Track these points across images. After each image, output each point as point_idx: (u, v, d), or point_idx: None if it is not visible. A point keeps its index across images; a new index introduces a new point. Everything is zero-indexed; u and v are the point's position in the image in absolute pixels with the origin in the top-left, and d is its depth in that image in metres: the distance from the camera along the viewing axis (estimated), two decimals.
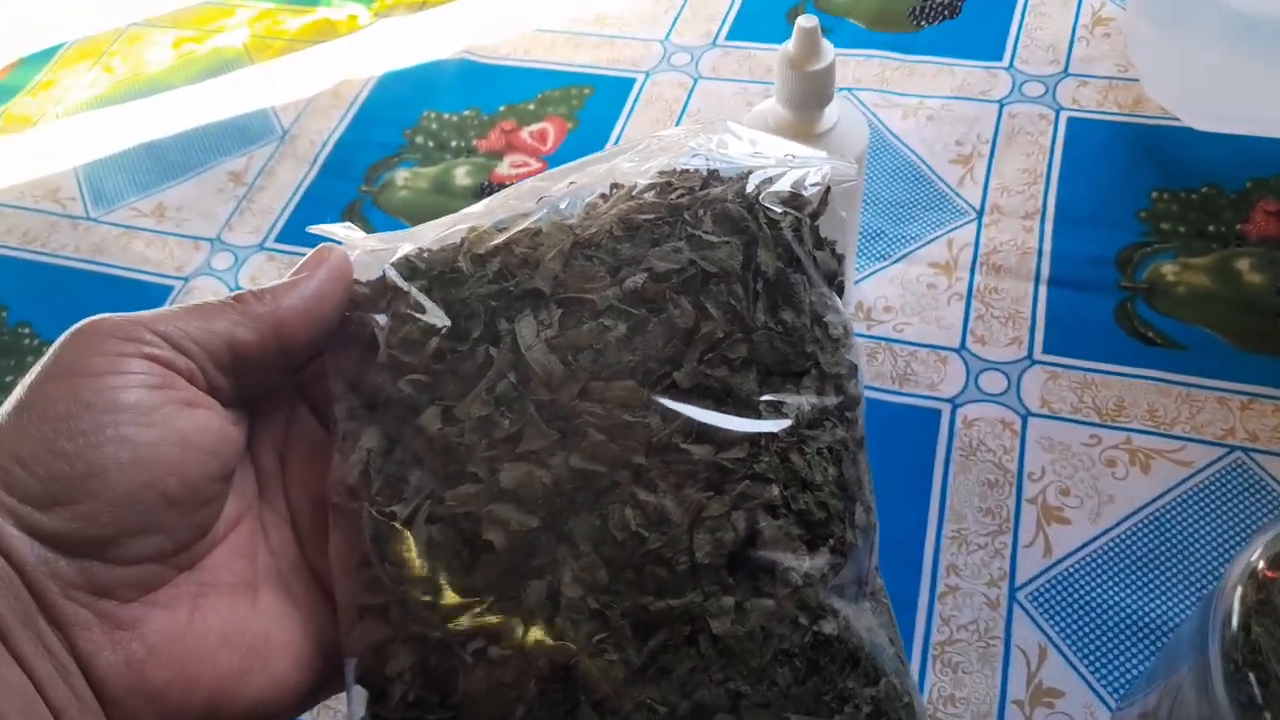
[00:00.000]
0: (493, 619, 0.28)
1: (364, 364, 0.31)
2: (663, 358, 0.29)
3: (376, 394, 0.31)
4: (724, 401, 0.29)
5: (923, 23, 0.71)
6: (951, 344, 0.55)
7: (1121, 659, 0.44)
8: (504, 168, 0.68)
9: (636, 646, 0.27)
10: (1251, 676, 0.30)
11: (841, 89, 0.68)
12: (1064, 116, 0.64)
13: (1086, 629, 0.45)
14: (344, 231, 0.32)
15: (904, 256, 0.59)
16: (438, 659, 0.28)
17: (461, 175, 0.68)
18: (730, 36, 0.73)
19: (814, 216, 0.32)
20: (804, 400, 0.30)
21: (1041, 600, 0.46)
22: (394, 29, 0.79)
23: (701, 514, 0.28)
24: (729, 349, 0.30)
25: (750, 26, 0.73)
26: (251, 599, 0.29)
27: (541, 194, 0.33)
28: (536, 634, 0.27)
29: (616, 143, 0.68)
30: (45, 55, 0.83)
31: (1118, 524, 0.48)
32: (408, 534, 0.29)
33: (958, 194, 0.61)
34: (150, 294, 0.65)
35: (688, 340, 0.30)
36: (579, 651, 0.27)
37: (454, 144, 0.70)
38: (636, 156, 0.34)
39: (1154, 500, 0.48)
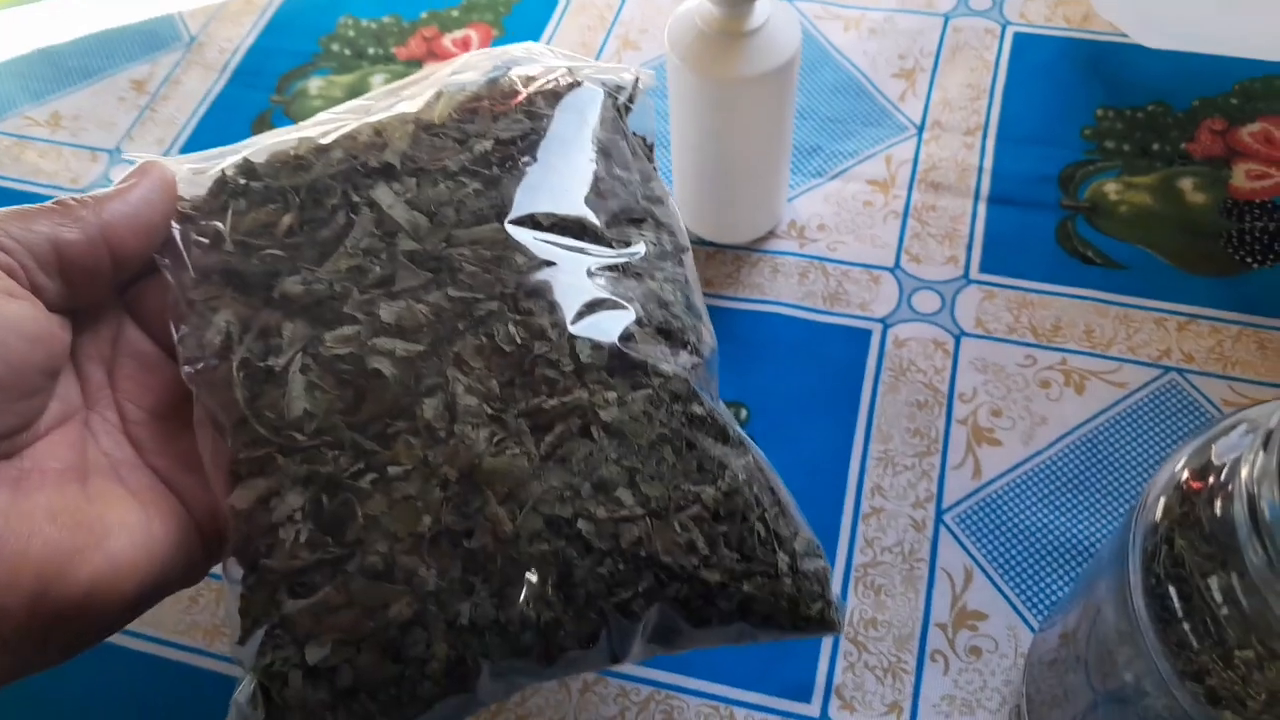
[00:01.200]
0: (390, 442, 0.29)
1: (207, 258, 0.31)
2: (519, 204, 0.32)
3: (229, 278, 0.31)
4: (580, 237, 0.32)
5: None
6: (886, 263, 0.53)
7: (1047, 581, 0.43)
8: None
9: (535, 441, 0.29)
10: (1172, 590, 0.28)
11: None
12: (1010, 31, 0.62)
13: (1013, 551, 0.44)
14: (160, 158, 0.33)
15: (840, 173, 0.56)
16: (330, 496, 0.28)
17: (378, 83, 0.64)
18: None
19: (630, 99, 0.37)
20: (646, 238, 0.33)
21: (969, 523, 0.45)
22: None
23: (576, 324, 0.30)
24: (578, 192, 0.33)
25: None
26: (80, 483, 0.28)
27: (367, 110, 0.35)
28: (434, 445, 0.28)
29: None
30: None
31: (1049, 446, 0.46)
32: (288, 380, 0.29)
33: (898, 109, 0.59)
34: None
35: (540, 189, 0.32)
36: (481, 453, 0.28)
37: (371, 51, 0.66)
38: (458, 71, 0.36)
39: (1087, 421, 0.47)
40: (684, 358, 0.31)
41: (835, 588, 0.43)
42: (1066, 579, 0.43)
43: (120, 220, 0.29)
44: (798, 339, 0.51)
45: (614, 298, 0.31)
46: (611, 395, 0.29)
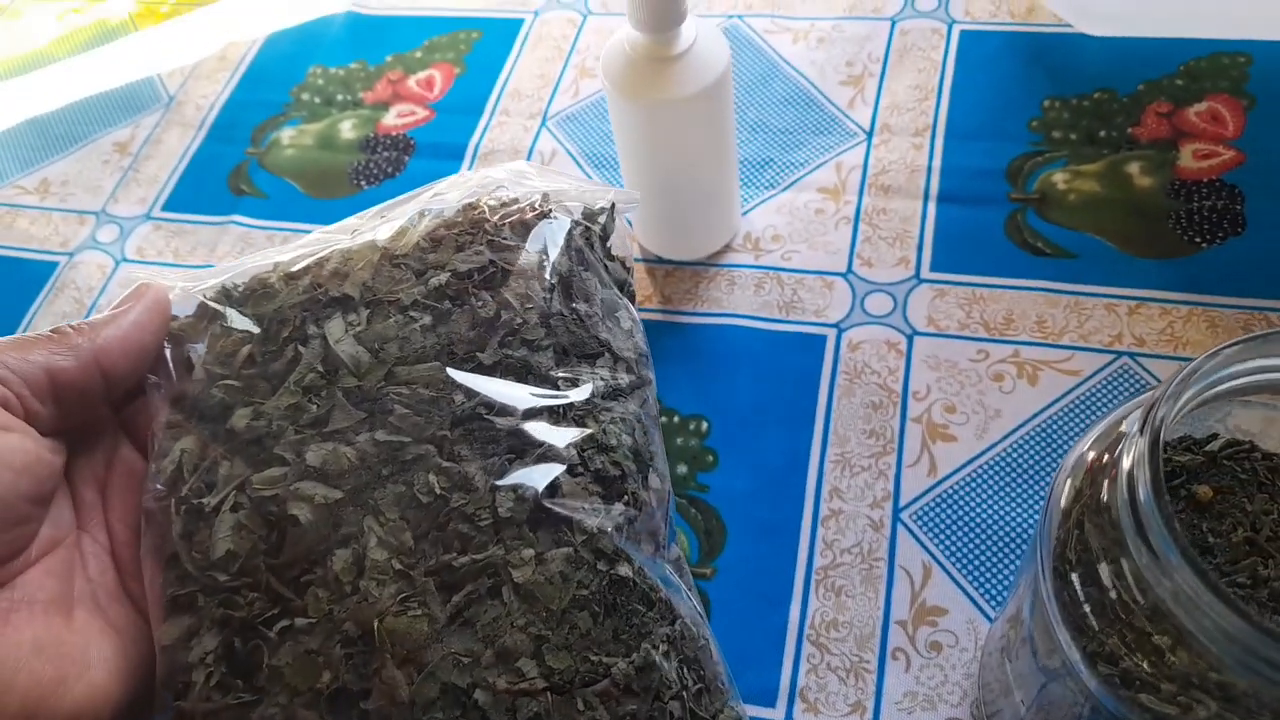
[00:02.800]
0: (303, 591, 0.28)
1: (183, 383, 0.32)
2: (466, 342, 0.31)
3: (193, 407, 0.32)
4: (524, 378, 0.31)
5: None
6: (838, 269, 0.54)
7: (1005, 573, 0.44)
8: (390, 118, 0.66)
9: (441, 601, 0.28)
10: (1075, 577, 0.29)
11: (730, 15, 0.66)
12: (956, 30, 0.63)
13: (970, 545, 0.45)
14: (160, 274, 0.35)
15: (792, 184, 0.58)
16: (242, 640, 0.28)
17: (347, 129, 0.66)
18: None
19: (604, 229, 0.37)
20: (598, 376, 0.32)
21: (925, 519, 0.45)
22: None
23: (504, 475, 0.29)
24: (528, 333, 0.32)
25: None
26: (66, 616, 0.29)
27: (355, 229, 0.36)
28: (341, 599, 0.28)
29: (505, 87, 0.66)
30: None
31: (1004, 438, 0.47)
32: (215, 520, 0.29)
33: (848, 116, 0.60)
34: (35, 271, 0.63)
35: (490, 327, 0.32)
36: (384, 611, 0.28)
37: (340, 98, 0.68)
38: (445, 190, 0.37)
39: (1041, 412, 0.48)
40: (617, 511, 0.30)
41: (796, 591, 0.44)
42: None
43: (113, 345, 0.31)
44: (755, 349, 0.52)
45: (550, 443, 0.30)
46: (528, 553, 0.28)
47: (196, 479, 0.30)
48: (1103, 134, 0.56)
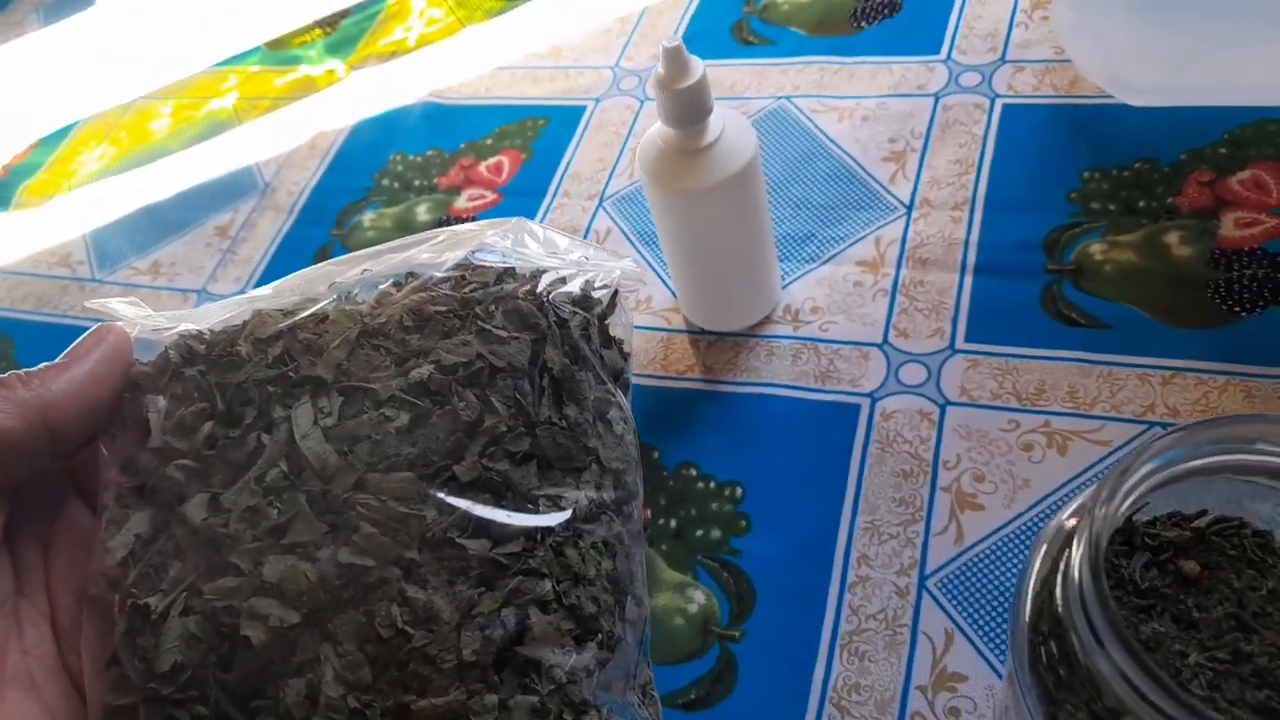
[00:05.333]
0: (253, 717, 0.27)
1: (138, 447, 0.30)
2: (444, 450, 0.29)
3: (147, 479, 0.30)
4: (503, 496, 0.29)
5: (863, 24, 0.72)
6: (874, 339, 0.56)
7: None
8: (461, 201, 0.71)
9: None
10: (1043, 649, 0.30)
11: (778, 96, 0.69)
12: (999, 104, 0.64)
13: (993, 613, 0.45)
14: (126, 308, 0.32)
15: (832, 257, 0.60)
16: None
17: (422, 212, 0.71)
18: None
19: (602, 317, 0.34)
20: (583, 494, 0.30)
21: (950, 587, 0.46)
22: (366, 79, 0.83)
23: (472, 610, 0.28)
24: (511, 443, 0.30)
25: (697, 44, 0.75)
26: None
27: (333, 279, 0.34)
28: None
29: (568, 170, 0.70)
30: (60, 134, 0.90)
31: (1030, 507, 0.48)
32: (162, 628, 0.27)
33: (889, 190, 0.62)
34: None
35: (471, 433, 0.30)
36: None
37: (417, 183, 0.73)
38: (434, 249, 0.34)
39: (1068, 481, 0.48)
40: (589, 653, 0.28)
41: (821, 656, 0.46)
42: None
43: (63, 400, 0.28)
44: (791, 417, 0.54)
45: (523, 576, 0.28)
46: (491, 700, 0.27)
47: (145, 571, 0.28)
48: (1142, 204, 0.57)
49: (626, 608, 0.30)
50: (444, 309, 0.32)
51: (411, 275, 0.34)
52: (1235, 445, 0.29)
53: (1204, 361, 0.50)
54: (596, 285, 0.34)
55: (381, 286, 0.33)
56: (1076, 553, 0.27)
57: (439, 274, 0.33)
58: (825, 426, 0.53)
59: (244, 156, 0.81)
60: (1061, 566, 0.29)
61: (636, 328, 0.59)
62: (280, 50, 0.89)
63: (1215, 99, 0.60)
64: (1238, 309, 0.52)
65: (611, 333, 0.34)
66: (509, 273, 0.34)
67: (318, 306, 0.32)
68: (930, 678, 0.44)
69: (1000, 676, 0.44)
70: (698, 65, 0.47)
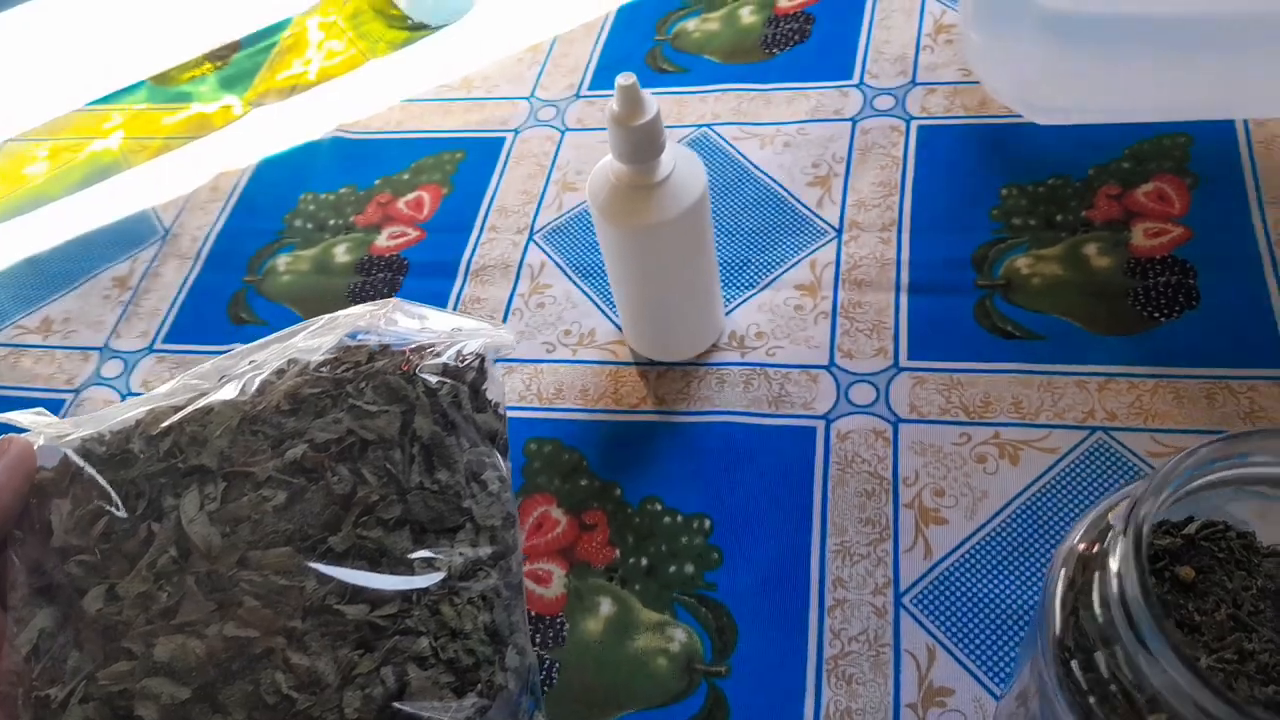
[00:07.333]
0: None
1: (42, 548, 0.32)
2: (320, 523, 0.31)
3: (50, 577, 0.31)
4: (379, 562, 0.31)
5: (774, 50, 0.74)
6: (821, 361, 0.57)
7: (1005, 649, 0.46)
8: (382, 240, 0.69)
9: None
10: (1075, 663, 0.31)
11: (699, 125, 0.70)
12: (914, 125, 0.67)
13: (971, 624, 0.47)
14: (30, 418, 0.34)
15: (770, 283, 0.61)
16: None
17: (341, 253, 0.69)
18: (593, 86, 0.75)
19: (474, 384, 0.36)
20: (457, 553, 0.32)
21: (926, 602, 0.48)
22: (267, 116, 0.80)
23: (352, 672, 0.29)
24: (384, 510, 0.32)
25: (611, 75, 0.75)
26: None
27: (224, 373, 0.36)
28: None
29: (492, 204, 0.69)
30: None
31: (992, 518, 0.49)
32: (62, 717, 0.29)
33: (817, 215, 0.63)
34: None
35: (345, 505, 0.32)
36: None
37: (332, 223, 0.71)
38: (312, 335, 0.36)
39: (1024, 490, 0.50)
40: (469, 703, 0.30)
41: (809, 682, 0.46)
42: (1021, 645, 0.46)
43: None
44: (749, 444, 0.54)
45: (400, 635, 0.30)
46: None
47: (48, 664, 0.30)
48: (1060, 218, 0.60)
49: (507, 657, 0.32)
50: (318, 390, 0.34)
51: (292, 362, 0.36)
52: (1235, 460, 0.31)
53: (1133, 366, 0.53)
54: (466, 354, 0.37)
55: (262, 376, 0.35)
56: (1115, 577, 0.28)
57: (317, 359, 0.36)
58: (784, 451, 0.54)
59: (138, 201, 0.76)
60: (1094, 585, 0.30)
61: (583, 362, 0.59)
62: (167, 86, 0.84)
63: (1115, 117, 0.63)
64: (1157, 315, 0.55)
65: (488, 396, 0.37)
66: (383, 350, 0.36)
67: (205, 400, 0.35)
68: (919, 695, 0.45)
69: (987, 687, 0.45)
70: (652, 102, 0.47)
